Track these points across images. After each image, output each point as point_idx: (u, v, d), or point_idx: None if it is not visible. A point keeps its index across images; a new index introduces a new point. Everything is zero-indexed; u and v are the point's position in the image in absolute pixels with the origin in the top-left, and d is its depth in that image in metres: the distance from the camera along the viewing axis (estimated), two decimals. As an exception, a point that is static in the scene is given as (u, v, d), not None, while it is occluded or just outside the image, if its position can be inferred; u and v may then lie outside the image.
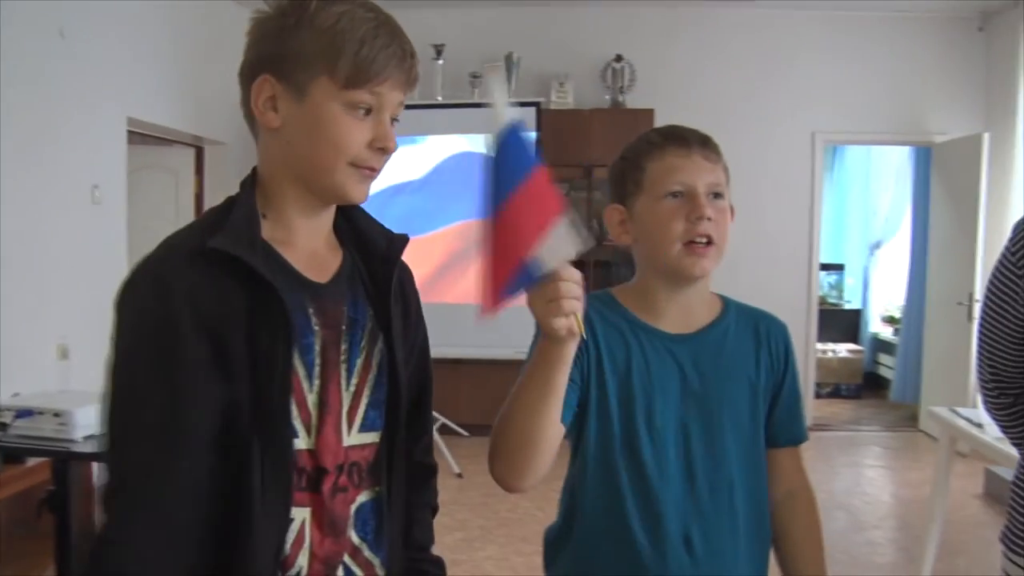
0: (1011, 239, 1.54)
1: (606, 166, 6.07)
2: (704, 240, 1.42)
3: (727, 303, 1.56)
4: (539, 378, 1.20)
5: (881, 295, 9.30)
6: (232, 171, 6.28)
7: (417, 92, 5.50)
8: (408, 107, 5.22)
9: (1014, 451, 1.60)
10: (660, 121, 6.67)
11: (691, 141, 1.48)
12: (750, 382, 1.50)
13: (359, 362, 1.25)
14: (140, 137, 5.85)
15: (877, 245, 9.19)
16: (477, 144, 6.37)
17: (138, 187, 5.71)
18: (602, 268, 6.92)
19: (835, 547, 4.43)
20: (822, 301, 8.69)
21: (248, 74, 1.18)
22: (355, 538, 1.24)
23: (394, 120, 1.21)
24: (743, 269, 6.76)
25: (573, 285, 1.12)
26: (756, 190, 6.94)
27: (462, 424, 6.53)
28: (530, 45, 7.04)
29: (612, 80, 6.95)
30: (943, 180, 6.93)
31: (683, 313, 1.49)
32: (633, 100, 6.92)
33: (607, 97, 6.97)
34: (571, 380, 1.32)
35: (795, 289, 7.02)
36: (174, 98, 5.81)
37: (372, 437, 1.26)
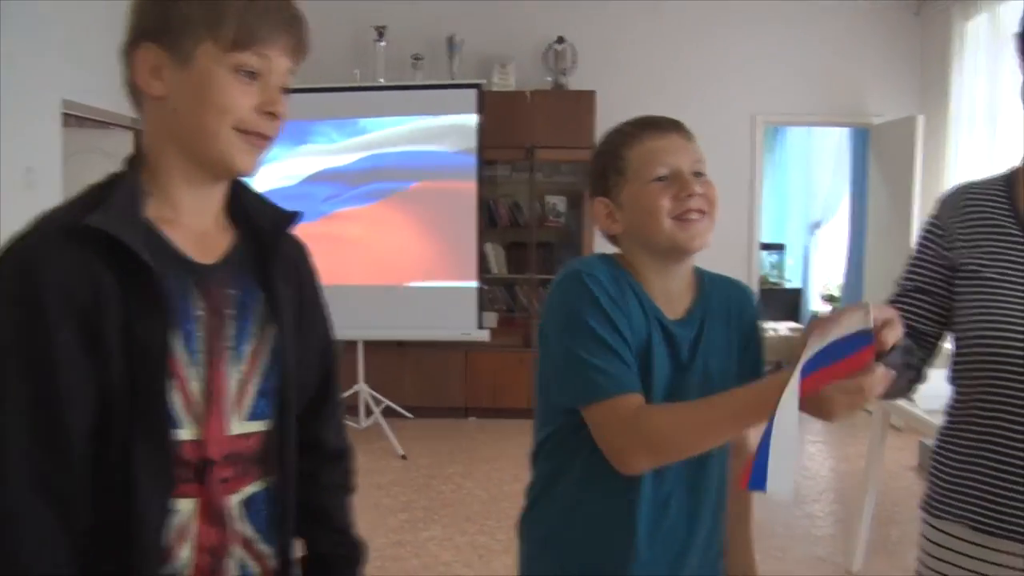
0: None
1: (548, 147, 6.13)
2: (695, 213, 1.45)
3: (702, 277, 1.58)
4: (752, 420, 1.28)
5: (821, 274, 9.47)
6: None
7: (359, 74, 5.47)
8: (349, 89, 5.20)
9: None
10: (602, 102, 6.73)
11: (666, 125, 1.51)
12: (731, 355, 1.54)
13: (248, 348, 1.21)
14: (77, 120, 5.74)
15: (817, 225, 9.36)
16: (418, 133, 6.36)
17: (75, 171, 5.60)
18: (544, 249, 6.97)
19: (776, 521, 4.53)
20: (763, 281, 8.83)
21: (131, 45, 1.16)
22: (247, 529, 1.22)
23: (286, 91, 1.20)
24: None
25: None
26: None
27: (406, 406, 6.53)
28: (472, 27, 7.03)
29: (554, 62, 6.96)
30: (880, 161, 7.07)
31: (670, 296, 1.51)
32: (575, 82, 6.95)
33: (549, 79, 6.98)
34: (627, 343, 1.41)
35: (735, 269, 7.00)
36: (112, 81, 5.68)
37: (261, 426, 1.23)
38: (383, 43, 6.86)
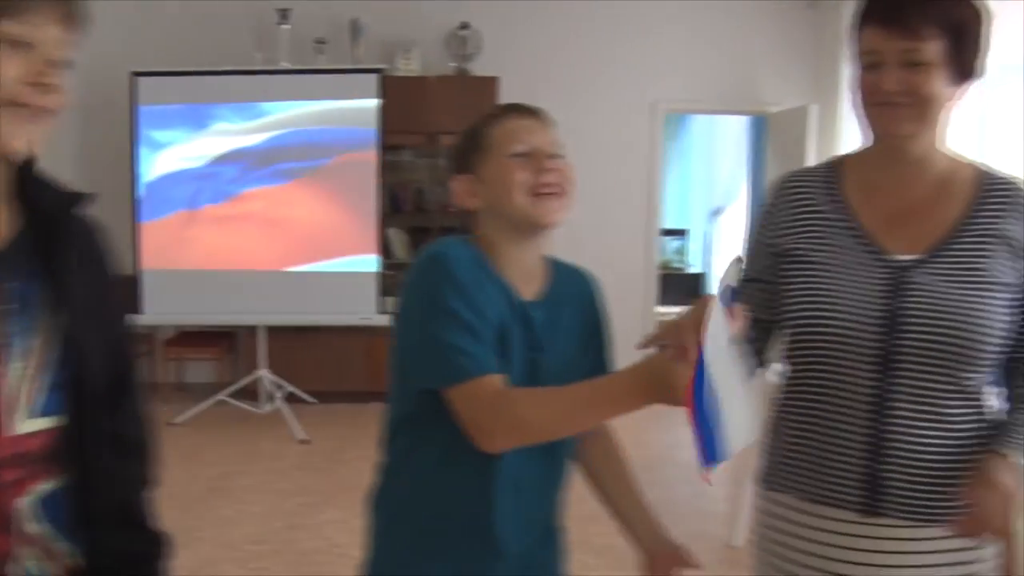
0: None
1: (451, 133, 6.15)
2: (550, 188, 1.51)
3: (551, 263, 1.65)
4: (619, 411, 1.34)
5: (722, 259, 9.70)
6: None
7: (261, 57, 5.41)
8: (251, 72, 5.19)
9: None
10: (505, 89, 6.79)
11: (529, 109, 1.59)
12: (579, 341, 1.62)
13: (34, 342, 1.17)
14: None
15: (719, 211, 9.59)
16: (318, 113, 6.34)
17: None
18: (447, 234, 6.98)
19: (667, 499, 4.66)
20: (666, 265, 9.02)
21: None
22: (42, 530, 1.18)
23: (63, 64, 1.14)
24: (585, 235, 6.95)
25: None
26: (599, 158, 7.12)
27: (308, 391, 6.53)
28: (376, 11, 7.00)
29: (458, 48, 6.99)
30: (776, 149, 7.28)
31: (526, 275, 1.57)
32: (479, 68, 6.99)
33: (453, 65, 7.00)
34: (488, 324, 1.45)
35: (636, 254, 7.27)
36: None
37: (53, 422, 1.18)
38: (286, 26, 6.79)
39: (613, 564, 3.93)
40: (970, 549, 1.54)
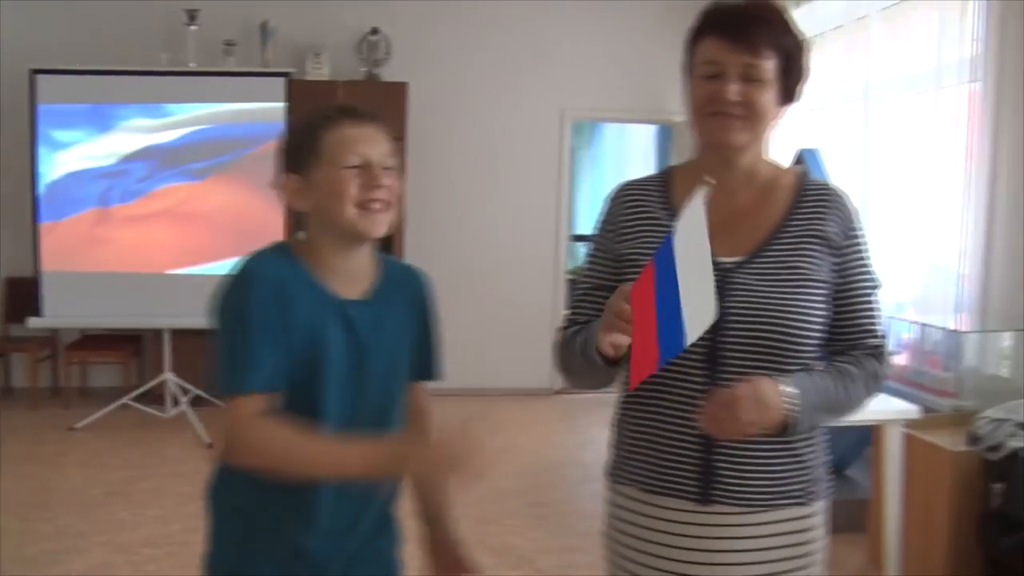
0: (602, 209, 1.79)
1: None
2: (379, 204, 1.58)
3: (382, 260, 1.73)
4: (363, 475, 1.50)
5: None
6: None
7: (167, 59, 5.41)
8: (160, 74, 5.23)
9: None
10: (415, 94, 6.85)
11: (364, 116, 1.63)
12: (409, 339, 1.72)
13: None
14: None
15: (629, 217, 9.78)
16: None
17: None
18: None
19: (566, 498, 4.79)
20: (576, 271, 9.14)
21: None
22: None
23: None
24: (495, 240, 7.08)
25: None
26: (508, 164, 7.25)
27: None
28: (286, 14, 6.98)
29: (368, 53, 7.01)
30: (681, 156, 7.44)
31: (352, 276, 1.64)
32: (388, 73, 7.01)
33: (363, 69, 7.02)
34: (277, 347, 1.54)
35: (543, 260, 7.36)
36: None
37: None
38: (194, 27, 6.74)
39: (510, 564, 4.03)
40: (802, 532, 1.65)
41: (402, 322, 1.71)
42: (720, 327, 1.54)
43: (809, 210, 1.65)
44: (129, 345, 6.86)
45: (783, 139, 6.29)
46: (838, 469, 4.82)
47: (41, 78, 6.30)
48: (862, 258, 1.67)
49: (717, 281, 1.56)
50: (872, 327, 1.66)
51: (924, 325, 4.56)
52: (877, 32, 5.35)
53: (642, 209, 1.72)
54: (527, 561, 4.05)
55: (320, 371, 1.57)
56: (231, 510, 1.69)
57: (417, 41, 7.19)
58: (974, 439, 3.52)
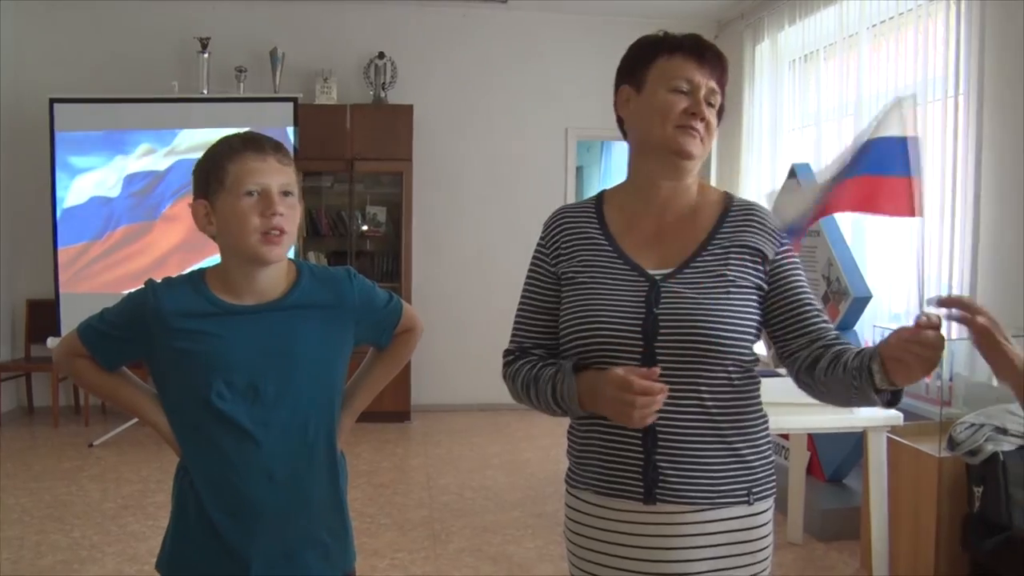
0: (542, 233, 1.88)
1: (368, 159, 6.41)
2: (277, 231, 1.72)
3: (301, 269, 1.87)
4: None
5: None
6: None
7: (178, 85, 5.59)
8: (173, 100, 5.46)
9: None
10: (420, 116, 7.01)
11: (266, 147, 1.76)
12: (324, 332, 1.84)
13: None
14: None
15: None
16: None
17: None
18: (366, 257, 7.18)
19: (503, 503, 4.94)
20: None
21: None
22: None
23: None
24: (501, 258, 7.19)
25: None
26: (513, 181, 7.38)
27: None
28: (295, 40, 7.18)
29: (375, 77, 7.18)
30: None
31: (261, 289, 1.80)
32: (394, 96, 7.18)
33: (370, 93, 7.19)
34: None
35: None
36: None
37: None
38: (206, 54, 6.94)
39: (508, 572, 4.12)
40: (747, 530, 1.72)
41: (327, 330, 1.85)
42: (653, 334, 1.66)
43: (736, 225, 1.76)
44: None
45: (775, 154, 6.42)
46: (836, 478, 4.90)
47: (59, 106, 6.51)
48: (796, 266, 1.78)
49: (648, 291, 1.69)
50: (827, 323, 1.76)
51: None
52: (867, 49, 5.45)
53: (576, 231, 1.82)
54: (525, 569, 4.14)
55: (213, 371, 1.75)
56: (181, 507, 1.84)
57: (422, 64, 7.37)
58: (954, 444, 3.60)
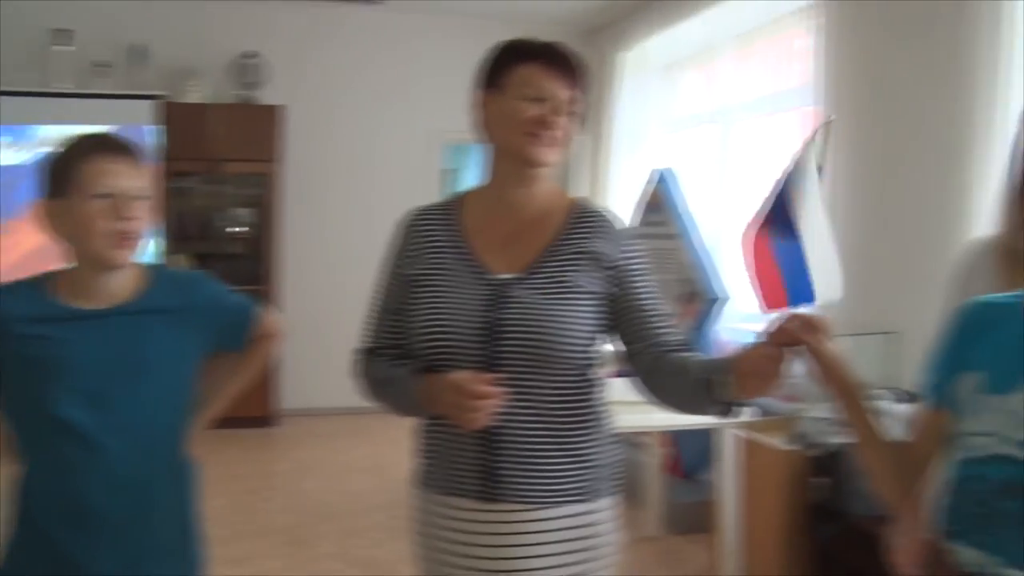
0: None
1: (236, 160, 6.23)
2: (128, 236, 1.70)
3: (150, 272, 1.84)
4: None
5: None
6: None
7: (37, 79, 5.32)
8: (33, 94, 5.19)
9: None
10: (292, 117, 6.92)
11: (119, 149, 1.73)
12: (173, 337, 1.81)
13: None
14: None
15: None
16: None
17: None
18: (232, 259, 7.03)
19: (368, 506, 5.00)
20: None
21: None
22: None
23: None
24: (369, 258, 7.07)
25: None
26: (383, 184, 7.33)
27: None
28: (163, 37, 6.96)
29: (244, 75, 7.04)
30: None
31: (109, 293, 1.77)
32: (266, 96, 7.04)
33: (239, 92, 7.05)
34: None
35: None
36: None
37: None
38: (68, 48, 6.66)
39: (372, 575, 4.12)
40: (587, 527, 1.77)
41: (177, 333, 1.82)
42: (496, 337, 1.69)
43: (582, 231, 1.80)
44: None
45: (642, 160, 6.59)
46: (693, 474, 5.05)
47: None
48: (643, 271, 1.82)
49: (492, 295, 1.72)
50: (672, 328, 1.81)
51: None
52: (729, 60, 5.65)
53: (428, 233, 1.84)
54: (389, 571, 4.14)
55: (56, 377, 1.70)
56: (20, 521, 1.78)
57: (295, 64, 7.25)
58: (798, 438, 3.76)
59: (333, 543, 4.48)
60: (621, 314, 1.79)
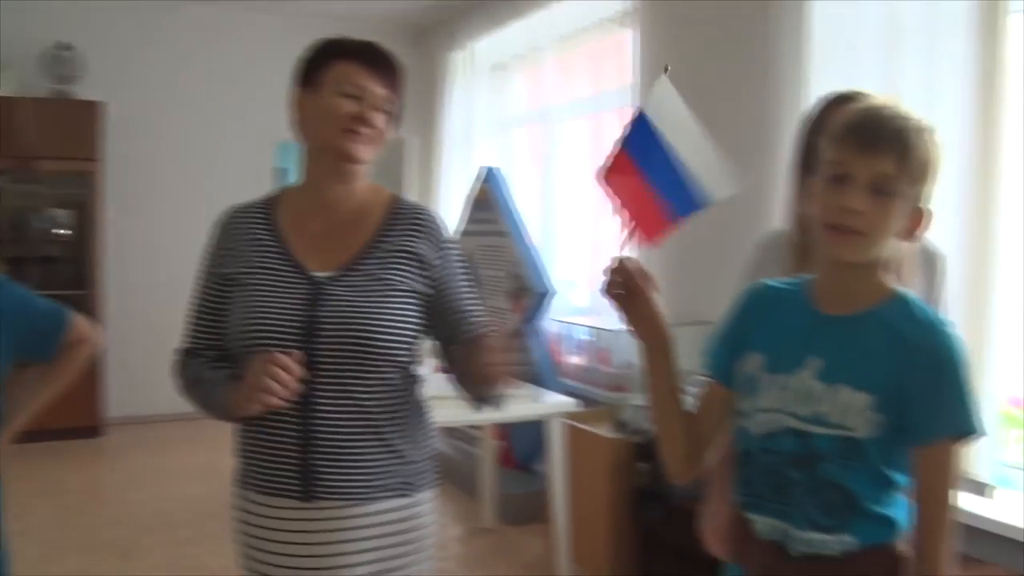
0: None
1: (50, 158, 5.89)
2: None
3: None
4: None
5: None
6: None
7: None
8: None
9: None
10: (114, 114, 6.67)
11: None
12: None
13: None
14: None
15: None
16: None
17: None
18: (49, 263, 6.70)
19: (202, 513, 4.92)
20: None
21: None
22: None
23: None
24: (198, 261, 6.94)
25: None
26: (213, 183, 7.09)
27: None
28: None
29: (58, 68, 6.69)
30: (380, 177, 7.18)
31: None
32: (83, 91, 6.72)
33: (53, 86, 6.69)
34: None
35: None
36: None
37: None
38: None
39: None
40: (405, 521, 1.80)
41: None
42: (313, 335, 1.70)
43: (401, 229, 1.83)
44: None
45: (472, 159, 6.68)
46: (525, 465, 5.18)
47: None
48: (456, 270, 1.87)
49: (310, 293, 1.73)
50: (484, 327, 1.84)
51: (596, 328, 5.02)
52: (553, 61, 5.80)
53: (245, 232, 1.84)
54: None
55: None
56: None
57: (116, 58, 6.95)
58: (622, 426, 3.93)
59: (164, 553, 4.36)
60: (437, 315, 1.84)
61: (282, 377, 1.61)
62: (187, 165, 7.25)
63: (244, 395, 1.64)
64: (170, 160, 7.21)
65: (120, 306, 6.69)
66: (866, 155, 1.35)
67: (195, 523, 4.77)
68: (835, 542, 1.40)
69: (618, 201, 1.62)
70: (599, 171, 1.66)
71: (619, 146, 1.54)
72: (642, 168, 1.51)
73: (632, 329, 1.57)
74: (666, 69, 1.53)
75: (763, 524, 1.47)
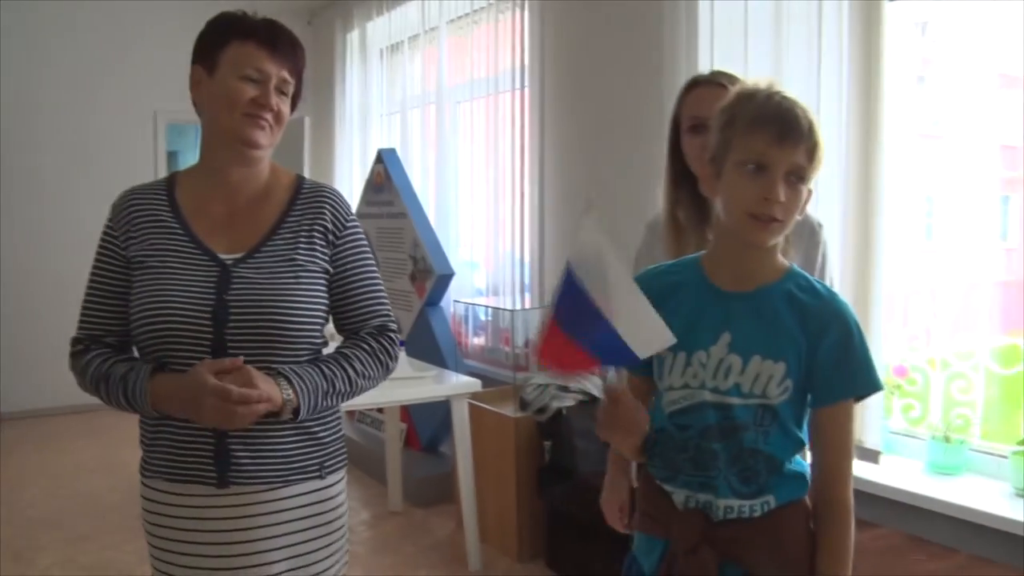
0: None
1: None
2: None
3: None
4: None
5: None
6: None
7: None
8: None
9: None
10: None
11: None
12: None
13: None
14: None
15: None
16: None
17: None
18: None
19: (100, 508, 4.80)
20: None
21: None
22: None
23: None
24: (90, 245, 6.69)
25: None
26: (102, 166, 6.90)
27: None
28: None
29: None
30: (279, 157, 7.45)
31: None
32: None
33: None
34: None
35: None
36: None
37: None
38: None
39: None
40: (321, 503, 1.81)
41: None
42: (223, 320, 1.68)
43: (305, 207, 1.83)
44: None
45: (368, 140, 6.64)
46: (431, 447, 5.21)
47: None
48: (359, 248, 1.87)
49: (218, 276, 1.71)
50: (375, 307, 1.87)
51: (495, 308, 5.06)
52: (446, 42, 5.78)
53: (146, 214, 1.80)
54: (125, 573, 3.99)
55: None
56: None
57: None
58: (525, 404, 3.99)
59: (58, 552, 4.24)
60: (337, 294, 1.85)
61: (247, 410, 1.62)
62: (73, 147, 6.98)
63: (224, 415, 1.63)
64: (55, 142, 6.94)
65: (7, 295, 6.45)
66: (784, 147, 1.42)
67: (93, 518, 4.65)
68: (757, 504, 1.49)
69: (553, 366, 1.66)
70: (535, 349, 1.70)
71: (551, 314, 1.55)
72: (573, 337, 1.53)
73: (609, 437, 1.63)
74: (589, 204, 1.54)
75: (683, 496, 1.53)
